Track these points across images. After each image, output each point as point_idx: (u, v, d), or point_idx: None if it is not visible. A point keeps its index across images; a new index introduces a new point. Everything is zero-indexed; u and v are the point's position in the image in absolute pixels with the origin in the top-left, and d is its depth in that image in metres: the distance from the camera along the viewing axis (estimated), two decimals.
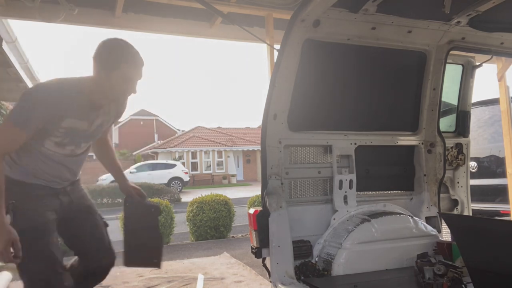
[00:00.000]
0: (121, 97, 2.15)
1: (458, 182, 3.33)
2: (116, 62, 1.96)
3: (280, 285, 2.37)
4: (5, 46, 4.51)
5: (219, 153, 32.65)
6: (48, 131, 2.00)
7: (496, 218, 4.28)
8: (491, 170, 5.53)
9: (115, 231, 8.34)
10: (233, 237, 8.41)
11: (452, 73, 3.33)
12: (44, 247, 2.06)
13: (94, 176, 23.38)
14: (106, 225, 2.46)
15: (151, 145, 34.75)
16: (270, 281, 2.50)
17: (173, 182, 24.52)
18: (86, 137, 2.17)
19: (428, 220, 2.99)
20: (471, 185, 3.38)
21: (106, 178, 21.50)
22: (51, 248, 2.09)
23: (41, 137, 2.02)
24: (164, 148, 31.20)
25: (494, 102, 5.62)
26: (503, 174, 5.38)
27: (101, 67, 1.97)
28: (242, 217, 8.68)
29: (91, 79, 2.03)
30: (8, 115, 2.01)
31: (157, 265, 2.55)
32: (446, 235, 3.01)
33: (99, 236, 2.38)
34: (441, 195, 3.13)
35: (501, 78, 5.69)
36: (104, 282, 5.05)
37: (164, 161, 26.94)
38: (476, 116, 5.41)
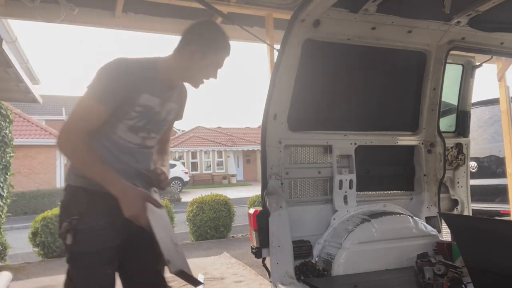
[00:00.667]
0: (201, 80, 2.02)
1: (458, 182, 3.33)
2: (217, 47, 1.91)
3: (280, 285, 2.37)
4: (5, 46, 4.50)
5: (219, 153, 32.65)
6: (124, 110, 1.85)
7: (496, 218, 4.27)
8: (491, 170, 5.53)
9: None
10: (233, 237, 8.42)
11: (452, 73, 3.33)
12: (101, 279, 1.80)
13: None
14: None
15: None
16: (270, 281, 2.50)
17: (173, 182, 24.51)
18: (157, 123, 2.01)
19: (428, 220, 2.99)
20: (471, 185, 3.38)
21: None
22: (108, 281, 1.83)
23: (115, 120, 1.86)
24: None
25: (494, 102, 5.61)
26: (503, 174, 5.37)
27: (199, 47, 1.88)
28: (242, 217, 8.68)
29: (171, 58, 1.94)
30: (87, 90, 1.82)
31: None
32: (446, 235, 3.01)
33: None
34: (441, 195, 3.13)
35: (501, 78, 5.68)
36: None
37: None
38: (476, 116, 5.41)
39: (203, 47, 1.89)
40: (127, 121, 1.87)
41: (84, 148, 1.74)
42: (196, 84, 2.02)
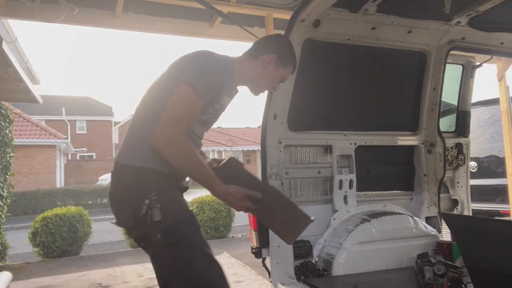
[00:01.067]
0: (263, 90, 2.08)
1: (458, 182, 3.33)
2: (290, 62, 2.00)
3: (280, 285, 2.37)
4: (5, 46, 4.50)
5: (219, 153, 32.64)
6: (205, 106, 1.79)
7: (496, 218, 4.27)
8: (491, 170, 5.53)
9: (116, 231, 8.27)
10: (233, 237, 8.42)
11: (452, 73, 3.33)
12: (202, 242, 1.70)
13: (94, 176, 23.40)
14: None
15: None
16: (270, 281, 2.50)
17: None
18: (216, 120, 2.01)
19: (428, 220, 3.00)
20: (471, 185, 3.38)
21: (106, 178, 21.48)
22: (207, 243, 1.73)
23: None
24: None
25: (494, 102, 5.61)
26: (503, 174, 5.36)
27: (276, 58, 1.95)
28: (242, 217, 8.67)
29: (244, 61, 1.95)
30: (184, 80, 1.69)
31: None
32: (446, 235, 3.01)
33: None
34: (441, 195, 3.13)
35: (501, 78, 5.67)
36: (104, 282, 5.07)
37: None
38: (476, 116, 5.40)
39: (279, 59, 1.95)
40: (202, 116, 1.83)
41: (193, 148, 1.69)
42: (257, 92, 2.06)
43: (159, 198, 1.63)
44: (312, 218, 1.85)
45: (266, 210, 1.88)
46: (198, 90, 1.68)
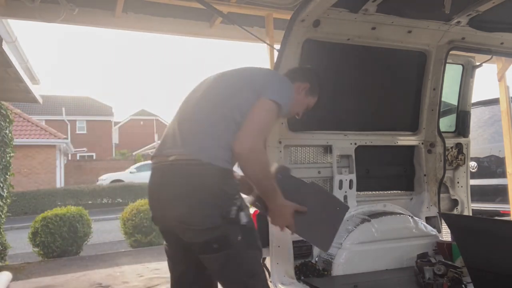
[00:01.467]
0: (290, 115, 2.22)
1: (458, 182, 3.33)
2: (317, 93, 2.20)
3: (280, 285, 2.37)
4: (5, 46, 4.50)
5: None
6: None
7: (496, 218, 4.27)
8: (491, 170, 5.52)
9: (115, 231, 8.29)
10: None
11: (452, 73, 3.33)
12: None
13: (94, 176, 23.40)
14: None
15: (151, 145, 34.71)
16: (270, 281, 2.50)
17: None
18: None
19: (428, 220, 3.00)
20: (471, 185, 3.38)
21: (106, 178, 21.49)
22: None
23: None
24: None
25: (494, 102, 5.60)
26: (503, 174, 5.36)
27: (309, 86, 2.14)
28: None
29: None
30: (274, 100, 1.80)
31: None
32: (446, 235, 3.01)
33: None
34: (441, 195, 3.13)
35: (501, 78, 5.67)
36: (104, 282, 5.07)
37: None
38: (476, 116, 5.40)
39: (311, 87, 2.15)
40: None
41: (268, 159, 1.83)
42: (286, 115, 2.19)
43: (242, 201, 1.76)
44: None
45: (306, 218, 1.96)
46: (282, 112, 1.86)
